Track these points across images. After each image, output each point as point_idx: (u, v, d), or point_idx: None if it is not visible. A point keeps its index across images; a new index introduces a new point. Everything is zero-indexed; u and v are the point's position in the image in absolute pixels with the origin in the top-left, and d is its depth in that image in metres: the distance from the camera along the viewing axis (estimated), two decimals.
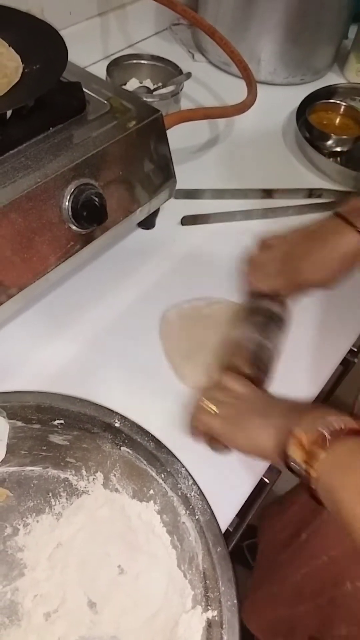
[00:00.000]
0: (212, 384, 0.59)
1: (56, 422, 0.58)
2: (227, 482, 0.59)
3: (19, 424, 0.58)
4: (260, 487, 0.61)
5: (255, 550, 1.19)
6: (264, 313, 0.65)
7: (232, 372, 0.59)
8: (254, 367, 0.60)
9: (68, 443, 0.59)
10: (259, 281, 0.66)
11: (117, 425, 0.57)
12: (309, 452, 0.45)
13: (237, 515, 0.59)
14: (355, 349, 0.76)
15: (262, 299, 0.66)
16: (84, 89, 0.66)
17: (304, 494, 0.47)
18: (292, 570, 0.83)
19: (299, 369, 0.69)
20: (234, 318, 0.68)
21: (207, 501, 0.54)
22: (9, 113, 0.59)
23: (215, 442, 0.56)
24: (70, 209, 0.60)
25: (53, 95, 0.61)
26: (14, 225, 0.57)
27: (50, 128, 0.62)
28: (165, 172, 0.73)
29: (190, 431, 0.58)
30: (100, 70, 0.91)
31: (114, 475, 0.58)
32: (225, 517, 0.56)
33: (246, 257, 0.68)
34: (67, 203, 0.60)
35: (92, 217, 0.62)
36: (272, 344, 0.63)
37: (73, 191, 0.60)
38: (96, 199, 0.61)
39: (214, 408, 0.55)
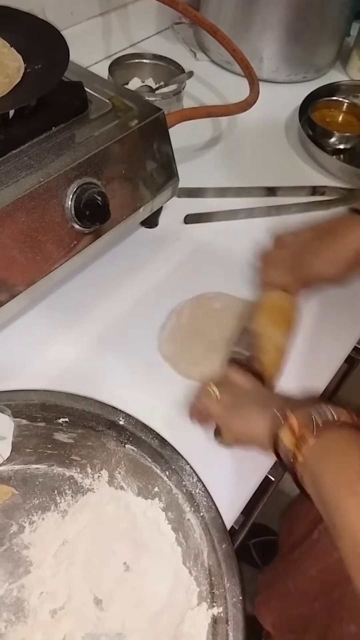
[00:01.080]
0: (219, 376, 0.61)
1: (61, 420, 0.58)
2: (232, 480, 0.59)
3: (24, 422, 0.58)
4: (265, 484, 0.61)
5: (262, 548, 1.20)
6: None
7: (238, 367, 0.60)
8: (258, 362, 0.61)
9: (73, 441, 0.59)
10: (270, 277, 0.68)
11: (121, 423, 0.57)
12: (299, 437, 0.46)
13: (242, 512, 0.59)
14: None
15: (273, 293, 0.68)
16: (86, 89, 0.66)
17: None
18: (306, 566, 0.83)
19: (303, 366, 0.68)
20: (243, 312, 0.69)
21: (211, 498, 0.54)
22: (11, 113, 0.60)
23: (219, 433, 0.58)
24: (73, 208, 0.61)
25: (55, 95, 0.61)
26: (17, 225, 0.57)
27: (53, 127, 0.63)
28: (167, 170, 0.73)
29: (189, 411, 0.60)
30: (102, 70, 0.92)
31: (119, 472, 0.58)
32: (230, 514, 0.56)
33: (260, 253, 0.70)
34: (69, 202, 0.60)
35: (94, 216, 0.62)
36: None
37: (76, 190, 0.60)
38: (99, 198, 0.61)
39: (217, 392, 0.57)
